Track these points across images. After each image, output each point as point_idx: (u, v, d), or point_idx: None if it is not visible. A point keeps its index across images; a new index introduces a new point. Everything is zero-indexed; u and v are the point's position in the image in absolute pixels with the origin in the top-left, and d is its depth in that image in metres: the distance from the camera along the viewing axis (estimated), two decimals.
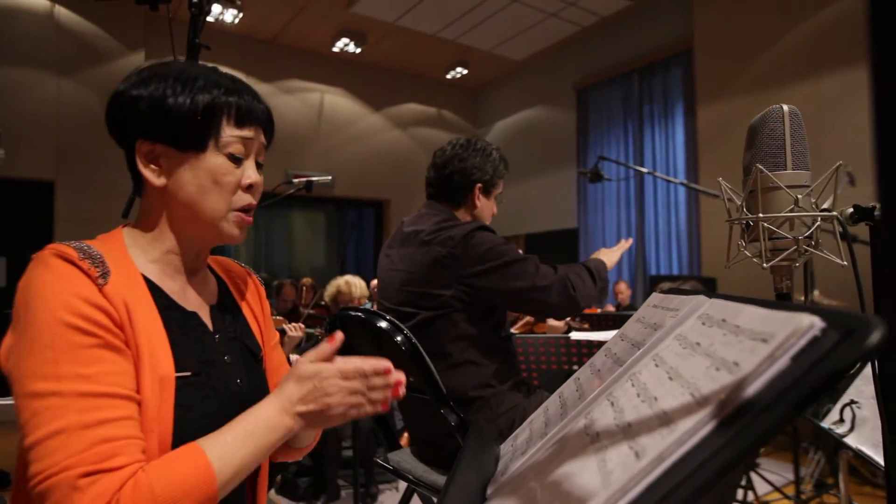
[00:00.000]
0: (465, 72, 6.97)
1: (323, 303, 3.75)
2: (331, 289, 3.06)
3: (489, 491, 0.48)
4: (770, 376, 0.26)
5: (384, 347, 1.13)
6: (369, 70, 6.96)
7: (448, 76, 7.19)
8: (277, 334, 0.94)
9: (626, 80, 5.91)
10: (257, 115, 0.76)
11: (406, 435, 3.39)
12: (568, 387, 0.58)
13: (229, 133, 0.73)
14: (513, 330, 3.03)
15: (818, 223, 0.58)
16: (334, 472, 2.88)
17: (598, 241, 6.15)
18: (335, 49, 6.26)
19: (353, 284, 3.07)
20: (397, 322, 1.09)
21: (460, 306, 1.28)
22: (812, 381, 0.25)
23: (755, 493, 2.45)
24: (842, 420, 1.04)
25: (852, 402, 1.04)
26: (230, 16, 5.44)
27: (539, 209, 6.90)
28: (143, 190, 0.77)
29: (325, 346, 0.68)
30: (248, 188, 0.76)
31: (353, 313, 1.16)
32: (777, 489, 2.66)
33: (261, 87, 6.22)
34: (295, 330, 2.91)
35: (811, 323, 0.27)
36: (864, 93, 3.89)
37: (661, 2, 5.47)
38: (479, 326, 1.31)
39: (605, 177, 2.48)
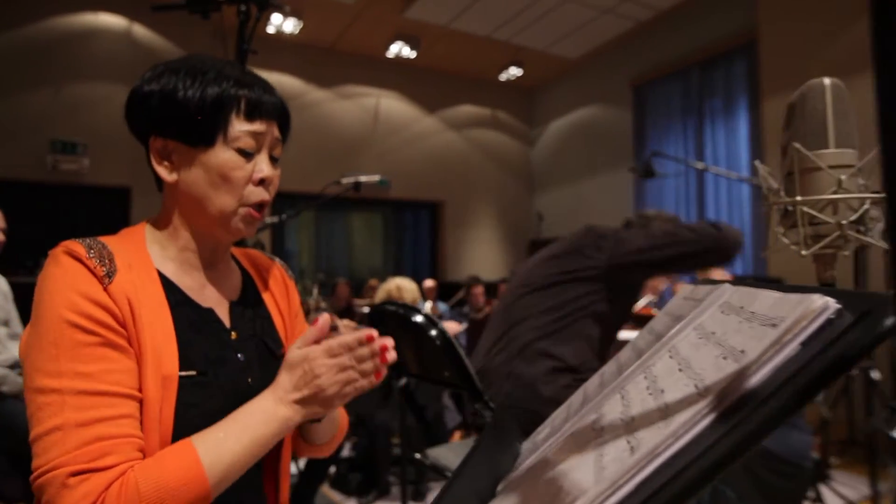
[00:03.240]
0: (520, 72, 6.91)
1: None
2: (381, 293, 3.05)
3: (499, 488, 0.46)
4: (776, 364, 0.24)
5: (421, 343, 1.12)
6: (424, 73, 7.02)
7: (502, 77, 7.15)
8: (306, 329, 0.93)
9: (685, 75, 5.66)
10: (268, 109, 0.74)
11: (457, 433, 3.38)
12: (592, 383, 0.55)
13: (238, 127, 0.71)
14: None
15: (866, 206, 0.52)
16: (385, 469, 2.92)
17: None
18: (390, 54, 6.36)
19: (404, 289, 3.03)
20: (432, 317, 1.08)
21: (590, 283, 1.33)
22: (822, 366, 0.22)
23: None
24: None
25: None
26: (290, 26, 5.62)
27: (595, 209, 6.74)
28: (161, 186, 0.77)
29: (310, 330, 0.67)
30: (260, 183, 0.74)
31: (390, 308, 1.17)
32: None
33: (319, 93, 6.42)
34: (347, 328, 2.98)
35: (824, 304, 0.23)
36: None
37: None
38: (595, 306, 1.36)
39: (657, 173, 2.39)
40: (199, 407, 0.67)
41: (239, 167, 0.71)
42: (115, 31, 5.32)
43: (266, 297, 0.85)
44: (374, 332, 0.64)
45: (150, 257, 0.72)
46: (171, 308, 0.69)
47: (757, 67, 4.90)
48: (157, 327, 0.66)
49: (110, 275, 0.64)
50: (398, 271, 6.97)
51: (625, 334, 2.25)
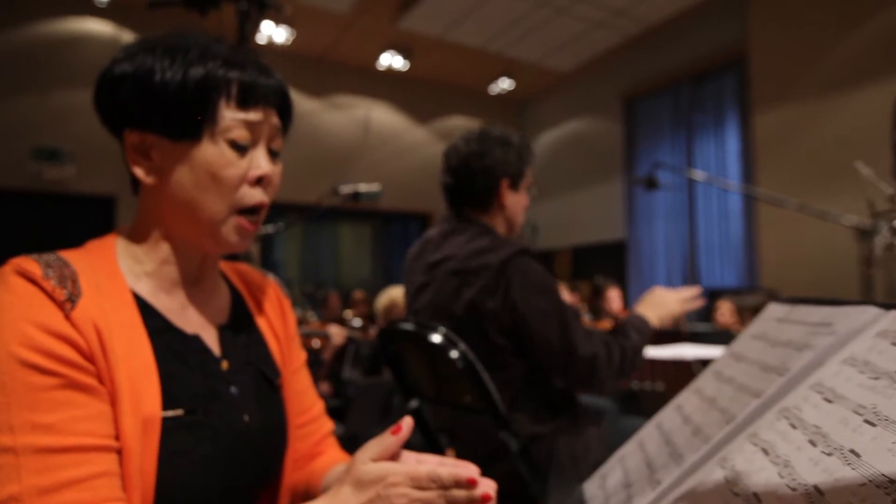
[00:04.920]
0: (512, 84, 6.91)
1: (371, 315, 3.70)
2: (383, 300, 2.86)
3: None
4: None
5: (437, 364, 1.04)
6: (415, 84, 7.00)
7: (493, 89, 7.14)
8: (304, 355, 0.81)
9: (675, 90, 5.71)
10: (264, 93, 0.61)
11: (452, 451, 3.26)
12: (669, 419, 0.48)
13: (230, 116, 0.59)
14: None
15: None
16: None
17: (646, 254, 5.96)
18: (382, 64, 6.32)
19: None
20: (453, 336, 1.00)
21: (501, 344, 1.12)
22: None
23: None
24: None
25: None
26: (281, 36, 5.53)
27: (586, 221, 6.74)
28: (138, 189, 0.65)
29: (390, 440, 0.52)
30: (258, 182, 0.62)
31: (403, 327, 1.09)
32: None
33: (310, 103, 6.35)
34: (338, 337, 2.88)
35: None
36: None
37: (711, 8, 5.26)
38: (526, 364, 1.15)
39: (661, 184, 2.34)
40: (189, 455, 0.56)
41: (231, 164, 0.60)
42: (103, 38, 5.20)
43: (259, 319, 0.74)
44: (476, 472, 0.50)
45: (123, 275, 0.60)
46: (149, 335, 0.58)
47: (747, 82, 4.94)
48: (133, 359, 0.54)
49: (73, 299, 0.52)
50: (387, 283, 6.88)
51: (673, 352, 1.85)
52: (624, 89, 6.22)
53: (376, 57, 6.22)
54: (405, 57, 6.13)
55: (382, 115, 6.93)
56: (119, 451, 0.51)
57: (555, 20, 5.51)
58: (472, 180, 1.29)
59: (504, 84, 6.89)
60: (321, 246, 6.94)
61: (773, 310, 0.47)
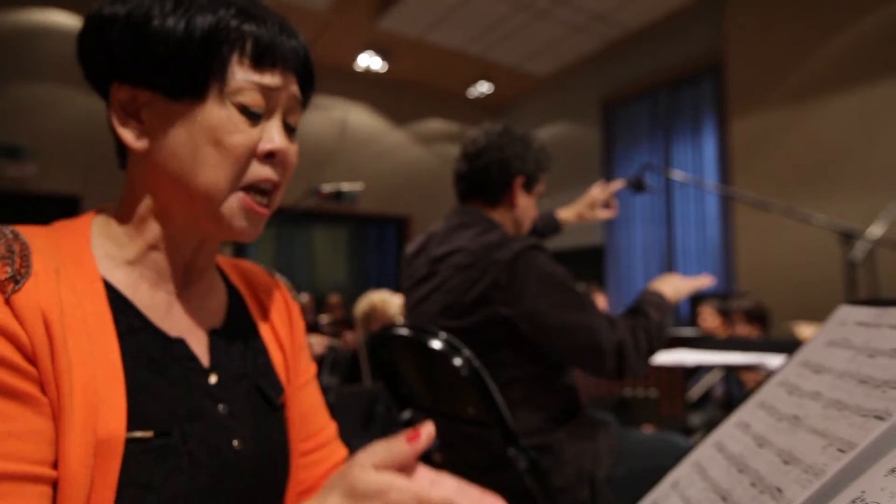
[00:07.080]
0: (490, 88, 6.89)
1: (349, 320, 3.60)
2: (363, 305, 2.75)
3: None
4: None
5: (436, 372, 0.97)
6: (394, 86, 6.93)
7: (472, 92, 7.12)
8: (313, 367, 0.69)
9: (653, 95, 5.76)
10: (284, 54, 0.52)
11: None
12: (734, 439, 0.41)
13: (242, 76, 0.50)
14: None
15: None
16: None
17: (624, 259, 5.99)
18: (360, 65, 6.23)
19: (389, 303, 2.71)
20: (455, 342, 0.92)
21: (510, 341, 1.07)
22: None
23: None
24: None
25: None
26: None
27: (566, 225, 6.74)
28: (125, 159, 0.55)
29: (402, 448, 0.40)
30: (268, 157, 0.52)
31: (398, 332, 1.00)
32: None
33: None
34: (318, 346, 2.77)
35: None
36: None
37: (690, 14, 5.33)
38: (534, 364, 1.10)
39: (649, 186, 2.31)
40: (159, 490, 0.44)
41: (239, 130, 0.50)
42: (68, 30, 4.99)
43: (261, 325, 0.62)
44: None
45: (95, 260, 0.50)
46: (119, 336, 0.47)
47: (724, 88, 5.01)
48: (94, 363, 0.44)
49: (17, 279, 0.41)
50: (364, 287, 6.77)
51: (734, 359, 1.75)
52: (602, 94, 6.25)
53: (354, 57, 6.13)
54: (383, 58, 6.05)
55: (360, 117, 6.83)
56: (55, 483, 0.40)
57: (535, 24, 5.50)
58: (487, 170, 1.26)
59: (483, 87, 6.86)
60: (295, 249, 6.80)
61: (850, 313, 0.41)
